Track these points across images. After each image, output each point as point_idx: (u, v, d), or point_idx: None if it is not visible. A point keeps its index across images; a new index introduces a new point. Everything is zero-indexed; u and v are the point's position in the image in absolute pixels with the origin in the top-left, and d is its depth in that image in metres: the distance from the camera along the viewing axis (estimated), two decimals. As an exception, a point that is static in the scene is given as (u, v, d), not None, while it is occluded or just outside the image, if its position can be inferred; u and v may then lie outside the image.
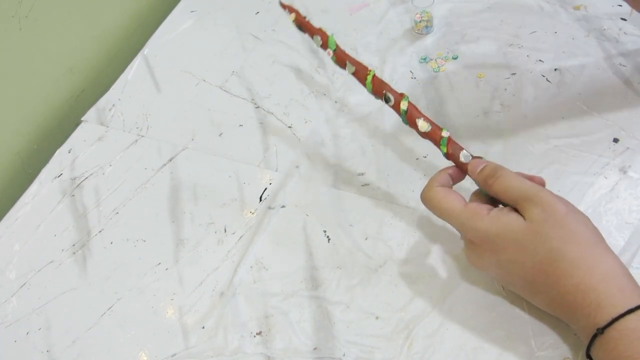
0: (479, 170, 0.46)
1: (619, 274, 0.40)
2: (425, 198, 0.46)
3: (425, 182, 0.46)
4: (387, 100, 0.49)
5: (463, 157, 0.47)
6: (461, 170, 0.48)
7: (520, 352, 0.45)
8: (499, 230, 0.42)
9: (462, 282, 0.49)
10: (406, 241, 0.53)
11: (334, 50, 0.50)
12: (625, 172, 0.53)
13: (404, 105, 0.48)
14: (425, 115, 0.48)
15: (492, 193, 0.45)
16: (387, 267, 0.51)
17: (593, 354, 0.40)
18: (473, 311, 0.48)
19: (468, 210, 0.44)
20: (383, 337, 0.48)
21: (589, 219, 0.42)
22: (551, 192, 0.42)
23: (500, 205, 0.45)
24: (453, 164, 0.48)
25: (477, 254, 0.45)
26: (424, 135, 0.48)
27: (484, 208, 0.44)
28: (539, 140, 0.56)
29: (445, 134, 0.47)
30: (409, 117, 0.48)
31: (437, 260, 0.51)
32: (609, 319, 0.38)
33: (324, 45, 0.51)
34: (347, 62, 0.50)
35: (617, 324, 0.38)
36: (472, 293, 0.49)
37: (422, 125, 0.48)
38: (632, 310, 0.37)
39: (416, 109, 0.48)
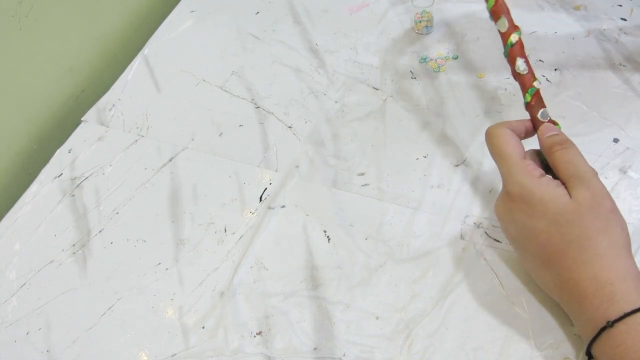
0: (549, 134, 0.46)
1: (637, 276, 0.40)
2: (490, 133, 0.46)
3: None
4: (500, 26, 0.48)
5: (541, 114, 0.47)
6: (534, 126, 0.48)
7: (520, 352, 0.45)
8: (543, 196, 0.42)
9: (462, 282, 0.49)
10: (406, 241, 0.53)
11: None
12: (625, 172, 0.53)
13: (513, 38, 0.48)
14: (527, 57, 0.48)
15: (551, 160, 0.45)
16: (387, 267, 0.51)
17: (595, 350, 0.40)
18: (473, 311, 0.48)
19: (523, 165, 0.44)
20: (383, 337, 0.48)
21: (626, 224, 0.43)
22: (604, 185, 0.43)
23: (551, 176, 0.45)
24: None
25: (508, 208, 0.44)
26: (516, 75, 0.48)
27: (538, 171, 0.44)
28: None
29: (537, 84, 0.47)
30: (511, 52, 0.48)
31: (437, 260, 0.51)
32: (621, 312, 0.38)
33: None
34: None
35: (628, 319, 0.38)
36: (472, 293, 0.49)
37: (520, 65, 0.48)
38: None
39: (522, 47, 0.48)
